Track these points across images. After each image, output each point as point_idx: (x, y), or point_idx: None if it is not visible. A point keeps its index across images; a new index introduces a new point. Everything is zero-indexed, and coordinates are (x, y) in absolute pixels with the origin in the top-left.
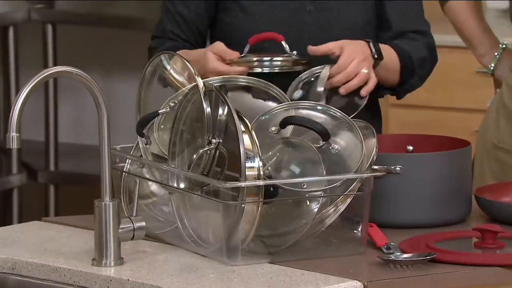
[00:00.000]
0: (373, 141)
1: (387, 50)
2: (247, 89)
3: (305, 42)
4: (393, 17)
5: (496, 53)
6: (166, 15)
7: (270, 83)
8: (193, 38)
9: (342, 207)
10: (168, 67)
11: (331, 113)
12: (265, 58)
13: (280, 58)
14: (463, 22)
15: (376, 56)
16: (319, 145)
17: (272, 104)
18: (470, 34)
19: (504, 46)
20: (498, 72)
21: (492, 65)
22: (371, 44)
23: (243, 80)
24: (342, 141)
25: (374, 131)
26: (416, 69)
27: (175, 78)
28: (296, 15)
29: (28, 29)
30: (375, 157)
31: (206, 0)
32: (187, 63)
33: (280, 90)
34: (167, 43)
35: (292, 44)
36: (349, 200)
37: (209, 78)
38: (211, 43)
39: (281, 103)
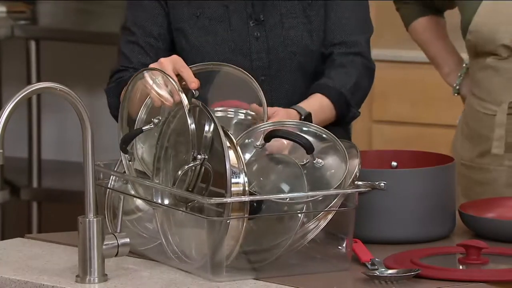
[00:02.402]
0: (356, 160)
1: (317, 109)
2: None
3: (255, 69)
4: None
5: (459, 73)
6: (131, 47)
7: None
8: None
9: (323, 223)
10: (151, 82)
11: (316, 132)
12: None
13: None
14: (427, 43)
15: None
16: (303, 163)
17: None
18: (433, 54)
19: (466, 65)
20: (463, 91)
21: (457, 83)
22: (302, 118)
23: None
24: (326, 159)
25: (358, 150)
26: (350, 102)
27: (159, 94)
28: (243, 43)
29: (11, 46)
30: (357, 173)
31: (166, 20)
32: (170, 79)
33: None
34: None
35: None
36: (330, 216)
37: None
38: None
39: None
